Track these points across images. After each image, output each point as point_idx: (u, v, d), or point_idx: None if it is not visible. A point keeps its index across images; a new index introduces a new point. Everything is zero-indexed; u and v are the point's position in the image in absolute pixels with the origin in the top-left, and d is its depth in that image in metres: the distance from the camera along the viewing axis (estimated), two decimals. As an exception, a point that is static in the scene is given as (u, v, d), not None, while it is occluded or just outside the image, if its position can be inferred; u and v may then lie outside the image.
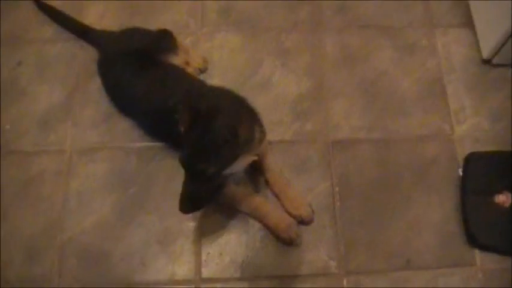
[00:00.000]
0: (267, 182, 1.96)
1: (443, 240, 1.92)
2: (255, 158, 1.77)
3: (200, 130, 1.54)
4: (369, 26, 2.37)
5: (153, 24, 2.24)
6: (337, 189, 1.99)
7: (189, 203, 1.64)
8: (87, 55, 2.23)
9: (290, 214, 1.90)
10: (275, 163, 1.97)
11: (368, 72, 2.25)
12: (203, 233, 1.92)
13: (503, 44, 2.12)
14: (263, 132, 1.78)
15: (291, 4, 2.40)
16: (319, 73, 2.24)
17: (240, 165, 1.68)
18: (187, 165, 1.59)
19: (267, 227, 1.89)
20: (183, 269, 1.86)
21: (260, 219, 1.90)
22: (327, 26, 2.36)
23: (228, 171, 1.62)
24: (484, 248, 1.90)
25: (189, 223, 1.92)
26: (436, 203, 1.99)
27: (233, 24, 2.35)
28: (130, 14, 2.36)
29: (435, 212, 1.97)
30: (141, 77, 1.93)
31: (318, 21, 2.37)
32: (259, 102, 2.06)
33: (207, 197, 1.68)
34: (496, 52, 2.18)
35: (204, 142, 1.53)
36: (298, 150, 2.07)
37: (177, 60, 2.08)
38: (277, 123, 2.11)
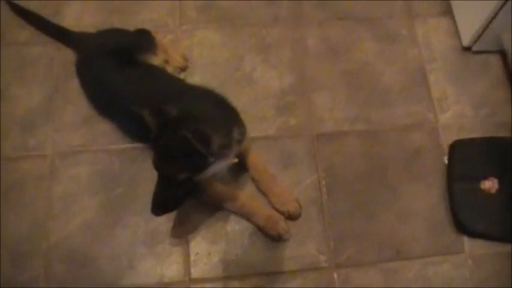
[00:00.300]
0: (252, 180, 1.95)
1: (432, 229, 1.93)
2: (235, 160, 1.76)
3: (169, 135, 1.52)
4: (349, 18, 2.37)
5: (132, 23, 2.22)
6: (323, 182, 1.99)
7: (159, 205, 1.63)
8: (65, 57, 2.19)
9: (277, 210, 1.88)
10: (260, 159, 1.96)
11: (350, 64, 2.25)
12: (190, 232, 1.89)
13: (482, 31, 2.14)
14: (243, 133, 1.77)
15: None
16: (301, 67, 2.23)
17: (218, 168, 1.66)
18: (158, 169, 1.59)
19: (254, 224, 1.88)
20: (171, 270, 1.84)
21: (247, 217, 1.88)
22: (307, 20, 2.35)
23: (202, 176, 1.61)
24: (472, 234, 1.91)
25: (176, 223, 1.90)
26: (423, 192, 1.99)
27: (213, 21, 2.33)
28: (108, 14, 2.33)
29: (422, 201, 1.97)
30: (120, 77, 1.90)
31: (298, 15, 2.37)
32: (241, 98, 2.08)
33: (178, 201, 1.67)
34: (476, 39, 2.19)
35: (174, 148, 1.52)
36: (283, 145, 2.06)
37: (156, 59, 2.05)
38: (260, 119, 2.10)
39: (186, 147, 1.48)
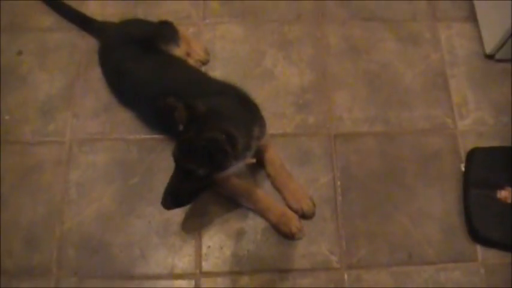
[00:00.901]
0: (268, 176, 1.95)
1: (445, 234, 1.92)
2: (253, 160, 1.76)
3: (196, 131, 1.53)
4: (372, 18, 2.36)
5: (155, 14, 2.24)
6: (338, 182, 1.98)
7: (172, 199, 1.62)
8: (88, 45, 2.21)
9: (291, 207, 1.89)
10: (276, 156, 1.96)
11: (371, 65, 2.24)
12: (204, 226, 1.90)
13: (506, 40, 2.11)
14: (263, 131, 1.78)
15: (293, -5, 2.39)
16: (322, 65, 2.22)
17: (236, 168, 1.67)
18: (178, 161, 1.58)
19: (268, 220, 1.88)
20: (183, 262, 1.85)
21: (261, 213, 1.88)
22: (330, 18, 2.35)
23: (220, 174, 1.62)
24: (486, 243, 1.89)
25: (189, 215, 1.91)
26: (438, 197, 1.98)
27: (235, 15, 2.33)
28: (132, 4, 2.34)
29: (437, 206, 1.96)
30: (142, 67, 1.92)
31: (321, 13, 2.36)
32: (261, 94, 2.08)
33: (192, 196, 1.67)
34: (499, 48, 2.17)
35: (200, 145, 1.52)
36: (300, 143, 2.05)
37: (178, 51, 2.06)
38: (279, 115, 2.10)
39: (214, 146, 1.50)
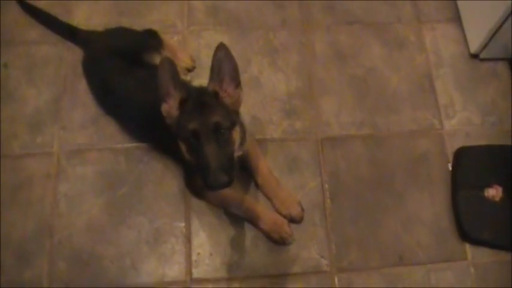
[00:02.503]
0: (256, 183, 1.96)
1: (435, 235, 1.93)
2: (239, 153, 1.75)
3: (199, 94, 1.61)
4: (357, 23, 2.37)
5: (140, 24, 2.24)
6: (327, 186, 1.99)
7: (221, 169, 1.49)
8: (74, 57, 2.21)
9: (280, 213, 1.89)
10: (264, 163, 1.96)
11: (357, 69, 2.25)
12: (193, 234, 1.91)
13: (490, 39, 2.13)
14: (244, 132, 1.76)
15: (279, 2, 2.40)
16: (308, 71, 2.24)
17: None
18: (204, 124, 1.52)
19: (258, 227, 1.88)
20: (173, 270, 1.85)
21: (251, 220, 1.89)
22: (315, 24, 2.36)
23: (235, 141, 1.61)
24: (475, 242, 1.91)
25: (179, 224, 1.92)
26: (427, 199, 1.99)
27: (221, 23, 2.34)
28: (117, 14, 2.35)
29: (427, 208, 1.98)
30: (126, 77, 1.92)
31: (306, 19, 2.37)
32: (248, 101, 2.08)
33: (231, 159, 1.58)
34: (484, 47, 2.19)
35: (208, 101, 1.56)
36: (288, 149, 2.06)
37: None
38: (266, 122, 2.11)
39: (217, 100, 1.57)
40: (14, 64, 2.24)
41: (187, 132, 1.53)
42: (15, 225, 1.92)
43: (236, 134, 1.61)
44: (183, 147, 1.59)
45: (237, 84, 1.60)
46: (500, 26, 2.05)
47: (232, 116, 1.60)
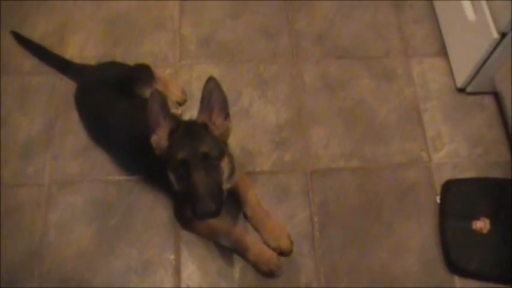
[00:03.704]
0: (245, 215, 1.97)
1: (424, 266, 1.94)
2: (228, 186, 1.75)
3: (189, 124, 1.65)
4: (346, 55, 2.41)
5: (133, 56, 2.29)
6: (316, 218, 2.00)
7: (210, 197, 1.50)
8: (66, 87, 2.24)
9: (269, 246, 1.89)
10: (253, 195, 1.97)
11: (346, 101, 2.28)
12: (182, 265, 1.91)
13: (476, 73, 2.17)
14: (233, 165, 1.77)
15: (270, 35, 2.44)
16: (298, 103, 2.26)
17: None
18: (193, 153, 1.53)
19: (247, 259, 1.89)
20: (162, 302, 1.85)
21: (240, 252, 1.89)
22: (304, 57, 2.40)
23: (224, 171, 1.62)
24: (463, 274, 1.91)
25: (168, 255, 1.92)
26: (415, 230, 2.00)
27: (212, 56, 2.38)
28: (110, 46, 2.38)
29: (415, 239, 1.98)
30: (117, 109, 1.94)
31: (296, 51, 2.41)
32: (237, 133, 2.12)
33: (222, 191, 1.59)
34: (470, 81, 2.23)
35: (198, 131, 1.59)
36: (277, 180, 2.08)
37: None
38: (256, 153, 2.13)
39: (206, 131, 1.60)
40: (7, 93, 2.25)
41: (176, 162, 1.54)
42: (4, 253, 1.92)
43: (225, 165, 1.63)
44: (172, 178, 1.59)
45: (226, 115, 1.63)
46: (486, 60, 2.09)
47: (221, 147, 1.62)
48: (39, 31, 2.39)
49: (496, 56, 2.04)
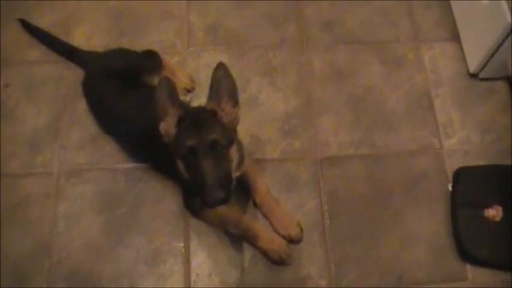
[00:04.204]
0: (254, 203, 1.96)
1: (435, 255, 1.92)
2: (237, 173, 1.74)
3: (197, 112, 1.62)
4: (355, 41, 2.38)
5: (140, 45, 2.26)
6: (326, 206, 1.99)
7: (219, 185, 1.50)
8: (74, 76, 2.22)
9: (279, 234, 1.89)
10: (263, 183, 1.96)
11: (356, 88, 2.26)
12: (192, 253, 1.90)
13: (489, 59, 2.14)
14: (242, 153, 1.75)
15: (277, 22, 2.42)
16: (307, 90, 2.24)
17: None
18: (202, 141, 1.52)
19: (257, 247, 1.88)
20: (172, 291, 1.85)
21: (250, 240, 1.88)
22: (313, 43, 2.37)
23: (233, 159, 1.61)
24: (475, 262, 1.90)
25: (178, 244, 1.92)
26: (426, 218, 1.99)
27: (220, 43, 2.36)
28: (117, 35, 2.37)
29: (426, 227, 1.97)
30: (125, 97, 1.94)
31: (305, 38, 2.39)
32: (246, 121, 2.10)
33: (229, 175, 1.59)
34: (483, 67, 2.20)
35: (206, 119, 1.57)
36: (287, 168, 2.06)
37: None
38: (265, 141, 2.12)
39: (214, 118, 1.58)
40: (14, 83, 2.25)
41: (184, 149, 1.53)
42: (14, 244, 1.92)
43: (233, 152, 1.61)
44: (180, 165, 1.59)
45: (235, 102, 1.61)
46: (500, 46, 2.05)
47: (230, 134, 1.61)
48: (44, 22, 2.37)
49: (509, 41, 2.01)
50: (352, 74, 2.29)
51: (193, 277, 1.86)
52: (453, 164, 2.08)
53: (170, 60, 2.26)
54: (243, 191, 1.94)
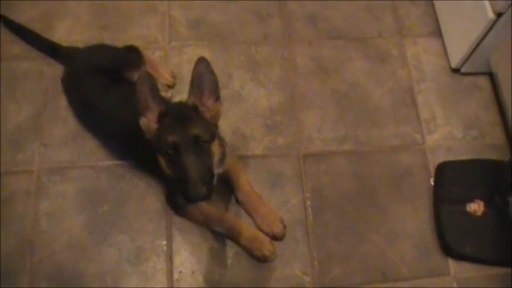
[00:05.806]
0: (237, 200, 1.95)
1: (419, 251, 1.93)
2: (220, 170, 1.74)
3: (179, 107, 1.61)
4: (339, 37, 2.38)
5: (122, 40, 2.24)
6: (309, 203, 1.99)
7: (201, 180, 1.48)
8: (55, 72, 2.19)
9: (262, 230, 1.89)
10: (246, 180, 1.96)
11: (340, 84, 2.26)
12: (175, 251, 1.89)
13: (470, 54, 2.15)
14: (224, 148, 1.75)
15: (261, 17, 2.40)
16: (290, 86, 2.24)
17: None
18: (184, 137, 1.51)
19: (240, 245, 1.88)
20: (155, 289, 1.84)
21: (233, 238, 1.88)
22: (297, 38, 2.36)
23: (214, 154, 1.60)
24: (458, 257, 1.91)
25: (160, 242, 1.90)
26: (410, 214, 1.99)
27: (202, 38, 2.34)
28: (98, 30, 2.34)
29: (410, 223, 1.98)
30: (106, 94, 1.91)
31: (288, 33, 2.38)
32: (229, 117, 2.09)
33: (211, 170, 1.57)
34: (464, 61, 2.21)
35: (187, 114, 1.56)
36: (270, 165, 2.06)
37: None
38: (248, 137, 2.10)
39: (196, 113, 1.57)
40: (-5, 79, 2.21)
41: (166, 145, 1.52)
42: (-4, 242, 1.90)
43: (215, 148, 1.61)
44: (162, 161, 1.57)
45: (217, 97, 1.60)
46: (481, 41, 2.07)
47: (212, 129, 1.60)
48: (24, 16, 2.33)
49: (491, 37, 2.03)
50: (336, 69, 2.29)
51: (176, 275, 1.85)
52: (436, 159, 2.09)
53: (152, 55, 2.24)
54: (226, 188, 1.93)
